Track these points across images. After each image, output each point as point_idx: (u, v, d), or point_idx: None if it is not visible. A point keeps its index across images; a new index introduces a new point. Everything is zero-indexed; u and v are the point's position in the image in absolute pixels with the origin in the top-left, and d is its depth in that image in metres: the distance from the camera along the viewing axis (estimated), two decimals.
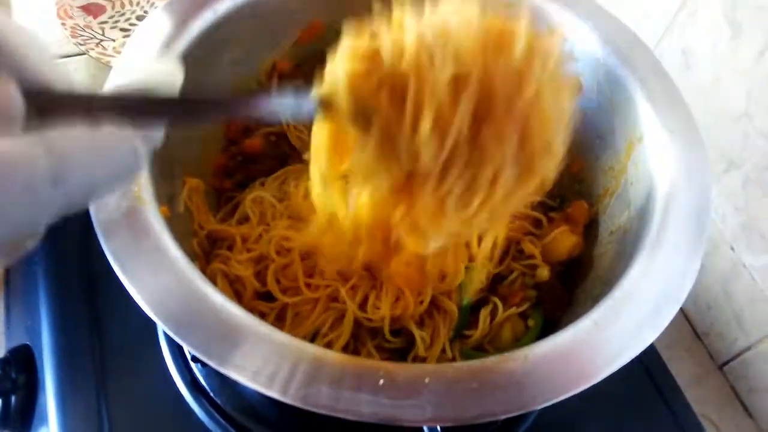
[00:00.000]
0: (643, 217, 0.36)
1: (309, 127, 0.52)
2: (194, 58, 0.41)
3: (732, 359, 0.64)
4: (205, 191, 0.44)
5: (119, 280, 0.30)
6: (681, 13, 0.61)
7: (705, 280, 0.65)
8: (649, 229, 0.35)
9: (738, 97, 0.56)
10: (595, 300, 0.36)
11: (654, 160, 0.38)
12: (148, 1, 0.79)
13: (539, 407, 0.28)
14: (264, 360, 0.27)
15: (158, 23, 0.41)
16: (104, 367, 0.45)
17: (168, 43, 0.40)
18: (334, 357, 0.28)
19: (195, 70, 0.41)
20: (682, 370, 0.63)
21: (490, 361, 0.29)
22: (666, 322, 0.31)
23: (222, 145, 0.48)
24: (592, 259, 0.43)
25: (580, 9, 0.45)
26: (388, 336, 0.40)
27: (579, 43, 0.45)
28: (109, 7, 0.78)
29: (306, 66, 0.50)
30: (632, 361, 0.51)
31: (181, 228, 0.36)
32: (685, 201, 0.35)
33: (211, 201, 0.45)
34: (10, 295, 0.55)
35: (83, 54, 0.72)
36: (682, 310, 0.68)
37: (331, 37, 0.51)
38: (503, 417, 0.28)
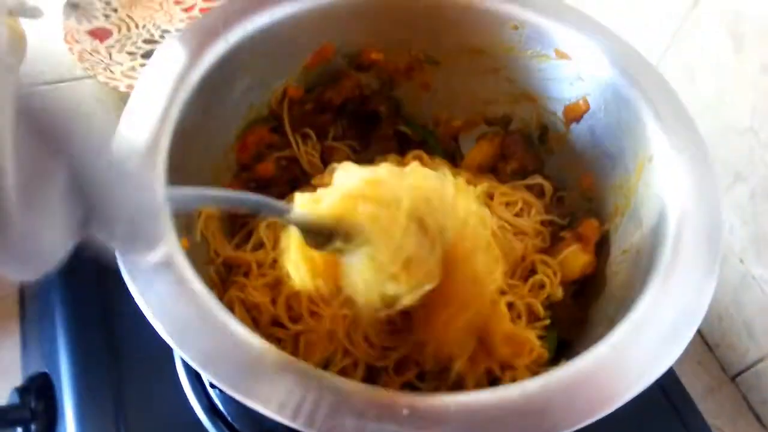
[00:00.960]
0: (655, 236, 0.37)
1: (319, 151, 0.53)
2: (208, 88, 0.41)
3: (744, 370, 0.64)
4: (220, 218, 0.45)
5: (136, 307, 0.31)
6: (684, 26, 0.61)
7: (715, 292, 0.64)
8: (663, 249, 0.35)
9: (743, 111, 0.57)
10: (610, 319, 0.36)
11: (664, 180, 0.39)
12: (154, 25, 0.79)
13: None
14: (288, 392, 0.28)
15: (172, 53, 0.41)
16: (122, 394, 0.45)
17: (183, 74, 0.40)
18: (358, 388, 0.28)
19: (209, 99, 0.42)
20: (694, 382, 0.63)
21: (511, 388, 0.29)
22: (684, 344, 0.31)
23: (234, 172, 0.49)
24: (605, 278, 0.43)
25: (586, 29, 0.46)
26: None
27: (586, 63, 0.45)
28: (115, 31, 0.78)
29: (316, 90, 0.51)
30: None
31: (198, 257, 0.36)
32: (697, 221, 0.35)
33: (225, 228, 0.46)
34: (26, 323, 0.55)
35: (91, 78, 0.73)
36: None
37: (339, 60, 0.52)
38: None
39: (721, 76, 0.58)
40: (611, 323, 0.34)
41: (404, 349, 0.40)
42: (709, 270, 0.34)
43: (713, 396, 0.64)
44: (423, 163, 0.51)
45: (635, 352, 0.31)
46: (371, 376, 0.40)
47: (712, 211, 0.36)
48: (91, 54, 0.74)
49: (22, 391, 0.48)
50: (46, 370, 0.49)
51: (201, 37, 0.42)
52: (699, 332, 0.68)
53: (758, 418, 0.63)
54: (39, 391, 0.48)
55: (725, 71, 0.58)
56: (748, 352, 0.63)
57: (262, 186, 0.49)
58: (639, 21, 0.66)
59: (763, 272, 0.59)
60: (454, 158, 0.54)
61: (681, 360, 0.65)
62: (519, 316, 0.42)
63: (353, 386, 0.28)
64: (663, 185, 0.39)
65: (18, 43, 0.65)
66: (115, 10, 0.79)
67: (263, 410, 0.27)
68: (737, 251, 0.61)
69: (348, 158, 0.53)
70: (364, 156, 0.52)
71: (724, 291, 0.64)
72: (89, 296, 0.50)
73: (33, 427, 0.46)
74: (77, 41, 0.74)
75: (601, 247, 0.45)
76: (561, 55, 0.46)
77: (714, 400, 0.64)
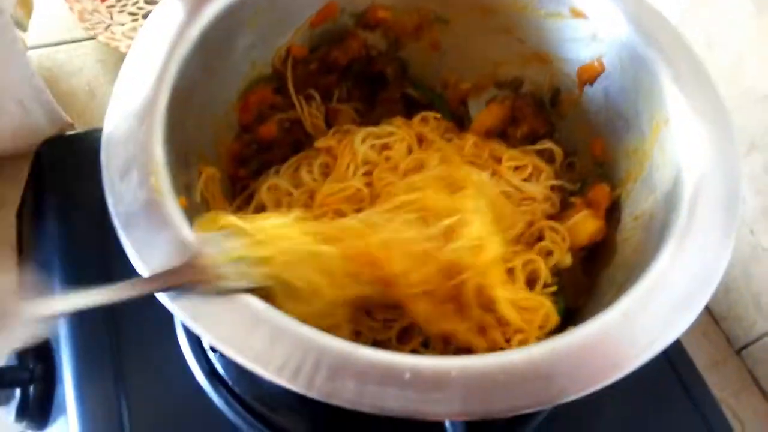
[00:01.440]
0: (670, 202, 0.36)
1: (323, 112, 0.51)
2: (208, 45, 0.40)
3: (751, 343, 0.63)
4: (221, 180, 0.44)
5: (137, 272, 0.30)
6: None
7: None
8: (677, 215, 0.34)
9: (762, 79, 0.55)
10: (619, 287, 0.35)
11: (681, 144, 0.37)
12: None
13: (567, 399, 0.27)
14: (288, 354, 0.27)
15: (171, 10, 0.40)
16: (122, 358, 0.45)
17: (181, 30, 0.39)
18: (359, 351, 0.27)
19: (209, 57, 0.41)
20: (698, 355, 0.63)
21: (516, 353, 0.28)
22: (697, 312, 0.30)
23: (236, 133, 0.48)
24: (616, 245, 0.42)
25: None
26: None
27: (601, 21, 0.43)
28: None
29: (320, 50, 0.49)
30: None
31: (198, 218, 0.35)
32: (714, 187, 0.34)
33: (226, 189, 0.45)
34: None
35: (92, 39, 0.71)
36: None
37: (344, 19, 0.50)
38: (532, 410, 0.27)
39: (740, 41, 0.57)
40: (620, 290, 0.33)
41: (405, 320, 0.40)
42: (725, 236, 0.32)
43: (717, 369, 0.64)
44: (430, 126, 0.50)
45: (645, 319, 0.30)
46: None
47: (730, 177, 0.35)
48: (91, 14, 0.72)
49: (21, 352, 0.47)
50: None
51: None
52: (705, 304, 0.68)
53: (763, 392, 0.63)
54: (38, 353, 0.47)
55: (745, 35, 0.56)
56: (755, 324, 0.62)
57: (264, 147, 0.48)
58: None
59: None
60: (462, 122, 0.53)
61: (686, 331, 0.65)
62: (528, 282, 0.41)
63: (354, 348, 0.27)
64: (679, 150, 0.37)
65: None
66: None
67: (262, 372, 0.27)
68: (748, 222, 0.60)
69: (353, 120, 0.51)
70: (370, 118, 0.51)
71: (733, 262, 0.62)
72: (89, 258, 0.49)
73: (32, 388, 0.46)
74: (78, 0, 0.72)
75: (612, 213, 0.43)
76: (577, 14, 0.44)
77: (718, 373, 0.64)
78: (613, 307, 0.30)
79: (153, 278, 0.29)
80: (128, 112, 0.36)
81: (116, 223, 0.31)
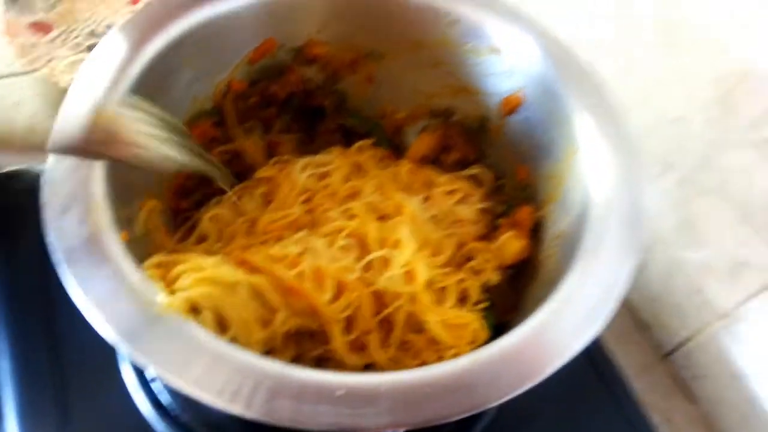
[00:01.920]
0: (581, 223, 0.39)
1: (264, 144, 0.53)
2: (150, 81, 0.41)
3: (675, 349, 0.67)
4: (162, 211, 0.45)
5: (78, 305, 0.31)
6: (619, 19, 0.64)
7: (648, 274, 0.69)
8: (587, 235, 0.37)
9: (673, 102, 0.60)
10: (541, 302, 0.38)
11: (591, 169, 0.41)
12: (95, 21, 0.78)
13: (489, 406, 0.30)
14: (226, 378, 0.29)
15: (113, 47, 0.41)
16: (65, 393, 0.45)
17: (123, 67, 0.40)
18: (294, 372, 0.29)
19: (151, 93, 0.42)
20: (630, 361, 0.67)
21: (441, 366, 0.31)
22: (602, 323, 0.33)
23: None
24: (539, 263, 0.45)
25: (519, 24, 0.48)
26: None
27: (519, 58, 0.47)
28: (57, 24, 0.77)
29: (260, 84, 0.52)
30: (579, 355, 0.54)
31: (140, 251, 0.36)
32: (619, 208, 0.38)
33: (168, 221, 0.46)
34: None
35: (31, 73, 0.71)
36: (628, 304, 0.72)
37: (282, 54, 0.52)
38: (458, 417, 0.29)
39: (652, 69, 0.61)
40: (541, 304, 0.36)
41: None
42: (627, 254, 0.36)
43: (648, 374, 0.68)
44: (367, 154, 0.52)
45: (557, 329, 0.33)
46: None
47: (634, 199, 0.38)
48: (31, 48, 0.72)
49: None
50: None
51: (141, 30, 0.42)
52: (633, 314, 0.72)
53: (689, 394, 0.67)
54: None
55: (656, 64, 0.61)
56: (679, 331, 0.66)
57: (205, 180, 0.49)
58: (578, 15, 0.69)
59: (691, 255, 0.62)
60: (399, 149, 0.56)
61: (617, 340, 0.69)
62: (460, 300, 0.44)
63: (290, 370, 0.29)
64: (589, 173, 0.41)
65: None
66: (57, 3, 0.78)
67: (202, 396, 0.28)
68: (667, 236, 0.65)
69: (294, 150, 0.53)
70: (310, 149, 0.53)
71: (656, 274, 0.68)
72: (29, 291, 0.50)
73: None
74: (17, 35, 0.72)
75: (535, 233, 0.47)
76: (495, 50, 0.48)
77: (649, 378, 0.67)
78: (529, 321, 0.33)
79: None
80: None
81: (58, 258, 0.32)
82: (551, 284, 0.40)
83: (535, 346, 0.32)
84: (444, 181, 0.51)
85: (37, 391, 0.45)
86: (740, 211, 0.55)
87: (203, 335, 0.30)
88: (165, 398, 0.44)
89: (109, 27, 0.77)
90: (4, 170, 0.60)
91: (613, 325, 0.69)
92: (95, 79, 0.40)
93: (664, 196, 0.63)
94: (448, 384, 0.30)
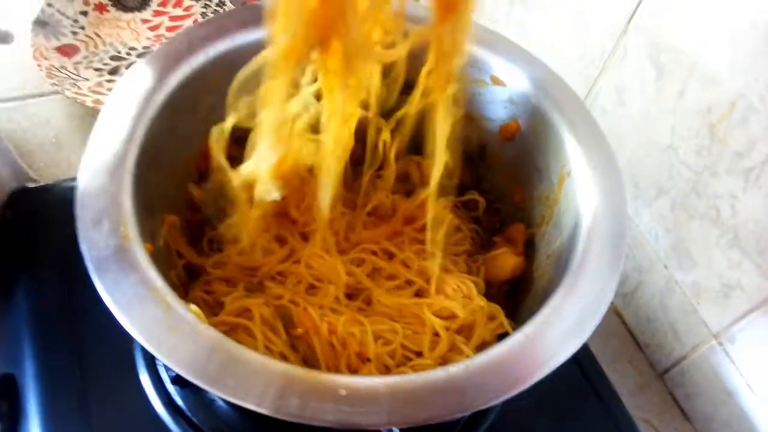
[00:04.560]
0: (571, 242, 0.42)
1: None
2: (173, 108, 0.45)
3: (670, 368, 0.69)
4: (181, 225, 0.48)
5: (100, 312, 0.34)
6: (614, 55, 0.68)
7: (644, 295, 0.71)
8: (575, 253, 0.40)
9: (664, 131, 0.63)
10: (531, 315, 0.41)
11: (580, 192, 0.44)
12: (121, 42, 0.82)
13: (478, 409, 0.32)
14: (241, 377, 0.31)
15: (139, 76, 0.45)
16: (86, 395, 0.48)
17: (149, 95, 0.44)
18: (302, 373, 0.32)
19: (174, 119, 0.46)
20: (626, 379, 0.69)
21: (437, 372, 0.33)
22: (587, 335, 0.36)
23: (194, 180, 0.52)
24: (533, 280, 0.48)
25: (518, 59, 0.51)
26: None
27: (516, 89, 0.51)
28: (83, 47, 0.81)
29: None
30: (576, 373, 0.57)
31: (162, 261, 0.40)
32: (605, 228, 0.41)
33: (186, 236, 0.49)
34: None
35: (59, 93, 0.75)
36: (625, 323, 0.74)
37: None
38: (449, 418, 0.32)
39: (645, 100, 0.64)
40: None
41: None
42: (612, 271, 0.39)
43: (643, 392, 0.70)
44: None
45: (544, 341, 0.35)
46: None
47: (618, 219, 0.41)
48: (59, 70, 0.76)
49: None
50: (11, 372, 0.51)
51: (166, 60, 0.46)
52: (630, 333, 0.74)
53: (683, 412, 0.69)
54: (3, 391, 0.50)
55: (649, 95, 0.64)
56: (674, 351, 0.68)
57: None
58: (578, 48, 0.72)
59: (684, 277, 0.65)
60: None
61: (614, 359, 0.71)
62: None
63: (298, 371, 0.32)
64: (579, 197, 0.44)
65: None
66: (83, 28, 0.82)
67: (219, 392, 0.31)
68: (662, 258, 0.67)
69: None
70: None
71: (652, 294, 0.70)
72: (53, 298, 0.53)
73: None
74: (45, 58, 0.76)
75: (529, 251, 0.50)
76: (496, 82, 0.51)
77: (644, 396, 0.69)
78: (518, 332, 0.36)
79: None
80: (100, 168, 0.40)
81: (89, 266, 0.35)
82: (541, 300, 0.43)
83: (523, 356, 0.35)
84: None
85: (59, 392, 0.48)
86: (730, 235, 0.58)
87: (219, 337, 0.33)
88: (179, 401, 0.47)
89: (131, 50, 0.81)
90: (38, 184, 0.64)
91: (611, 344, 0.72)
92: (123, 107, 0.43)
93: (659, 219, 0.66)
94: (441, 388, 0.32)
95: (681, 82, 0.60)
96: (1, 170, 0.62)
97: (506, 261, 0.49)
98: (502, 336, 0.46)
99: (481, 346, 0.45)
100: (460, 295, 0.47)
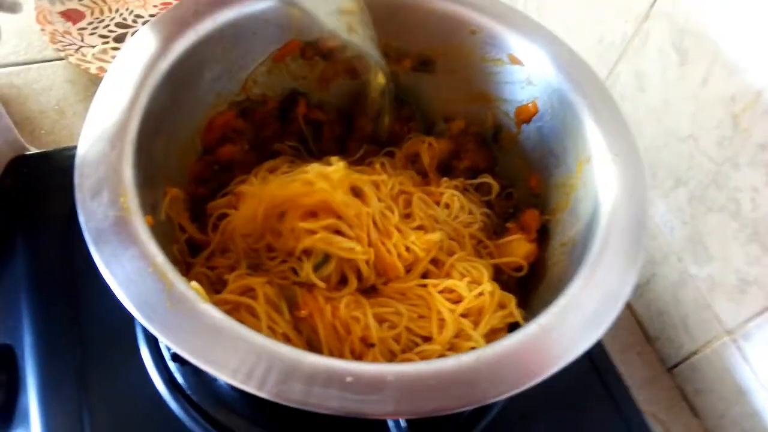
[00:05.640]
0: (589, 231, 0.40)
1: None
2: (177, 76, 0.43)
3: (680, 362, 0.68)
4: (184, 199, 0.47)
5: (100, 282, 0.32)
6: (635, 39, 0.65)
7: (656, 288, 0.69)
8: (593, 242, 0.38)
9: (685, 120, 0.61)
10: (546, 305, 0.40)
11: (600, 179, 0.42)
12: (127, 10, 0.80)
13: (489, 402, 0.31)
14: (242, 359, 0.30)
15: (144, 41, 0.43)
16: (85, 368, 0.47)
17: (153, 62, 0.42)
18: (307, 357, 0.31)
19: (178, 88, 0.44)
20: (634, 373, 0.68)
21: (447, 361, 0.32)
22: (604, 328, 0.34)
23: (198, 154, 0.51)
24: (546, 269, 0.47)
25: (537, 37, 0.49)
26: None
27: (536, 69, 0.49)
28: (88, 13, 0.79)
29: None
30: (584, 364, 0.55)
31: (163, 235, 0.38)
32: (625, 218, 0.39)
33: (189, 210, 0.48)
34: None
35: (62, 59, 0.73)
36: (635, 316, 0.73)
37: (306, 53, 0.54)
38: (458, 410, 0.31)
39: (666, 87, 0.62)
40: (545, 307, 0.37)
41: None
42: (631, 263, 0.37)
43: (651, 385, 0.69)
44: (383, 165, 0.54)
45: (559, 333, 0.34)
46: None
47: (638, 210, 0.39)
48: (62, 36, 0.74)
49: None
50: (10, 342, 0.50)
51: (171, 27, 0.44)
52: (641, 326, 0.73)
53: (691, 407, 0.67)
54: (1, 362, 0.49)
55: (670, 82, 0.62)
56: (684, 345, 0.67)
57: (224, 168, 0.51)
58: (597, 32, 0.70)
59: (698, 270, 0.63)
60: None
61: (623, 351, 0.70)
62: None
63: (303, 355, 0.31)
64: (598, 185, 0.42)
65: None
66: None
67: (219, 375, 0.30)
68: (677, 250, 0.65)
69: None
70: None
71: (664, 287, 0.68)
72: (53, 269, 0.52)
73: None
74: (49, 22, 0.75)
75: (543, 239, 0.48)
76: (514, 61, 0.49)
77: (652, 390, 0.68)
78: (533, 323, 0.34)
79: None
80: (101, 136, 0.39)
81: (87, 238, 0.34)
82: (556, 289, 0.41)
83: (537, 348, 0.33)
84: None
85: (57, 364, 0.47)
86: (749, 230, 0.56)
87: (221, 317, 0.32)
88: (179, 378, 0.45)
89: (137, 18, 0.79)
90: (37, 151, 0.62)
91: (619, 336, 0.71)
92: (126, 73, 0.42)
93: (675, 211, 0.64)
94: (451, 378, 0.31)
95: (704, 69, 0.57)
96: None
97: (518, 247, 0.47)
98: (512, 325, 0.45)
99: (491, 335, 0.43)
100: (468, 279, 0.46)
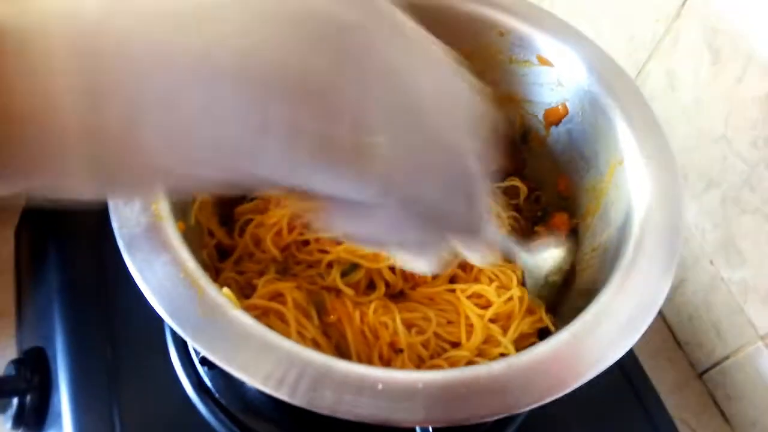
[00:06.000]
0: (621, 236, 0.39)
1: None
2: None
3: (711, 368, 0.67)
4: (212, 204, 0.47)
5: (130, 288, 0.33)
6: (666, 37, 0.64)
7: (687, 292, 0.68)
8: (626, 248, 0.38)
9: (717, 120, 0.59)
10: (578, 311, 0.39)
11: (633, 183, 0.41)
12: None
13: (521, 411, 0.31)
14: (273, 366, 0.30)
15: None
16: (116, 370, 0.48)
17: None
18: (338, 364, 0.30)
19: None
20: (664, 378, 0.67)
21: (478, 368, 0.32)
22: (638, 336, 0.34)
23: None
24: (576, 273, 0.46)
25: (567, 38, 0.48)
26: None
27: (566, 71, 0.48)
28: None
29: None
30: (614, 369, 0.54)
31: (193, 240, 0.38)
32: (659, 223, 0.38)
33: (218, 215, 0.48)
34: (21, 301, 0.58)
35: None
36: (665, 320, 0.72)
37: None
38: (489, 419, 0.30)
39: (698, 86, 0.61)
40: (576, 314, 0.36)
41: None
42: (666, 269, 0.36)
43: (681, 391, 0.68)
44: None
45: (592, 341, 0.33)
46: None
47: (673, 215, 0.39)
48: None
49: (18, 363, 0.50)
50: (42, 345, 0.51)
51: None
52: (670, 330, 0.71)
53: (722, 413, 0.66)
54: (34, 364, 0.50)
55: (703, 81, 0.61)
56: (715, 350, 0.66)
57: None
58: (626, 30, 0.69)
59: (731, 274, 0.62)
60: None
61: (653, 356, 0.69)
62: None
63: (333, 362, 0.31)
64: (631, 188, 0.41)
65: None
66: None
67: (251, 381, 0.30)
68: (708, 254, 0.64)
69: None
70: None
71: (695, 291, 0.67)
72: (85, 274, 0.52)
73: (28, 397, 0.49)
74: None
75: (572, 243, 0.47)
76: (543, 62, 0.48)
77: (681, 395, 0.67)
78: (564, 330, 0.34)
79: None
80: None
81: (120, 244, 0.34)
82: (587, 295, 0.40)
83: (570, 356, 0.33)
84: None
85: (89, 367, 0.48)
86: None
87: (252, 323, 0.32)
88: (207, 381, 0.46)
89: None
90: None
91: (650, 341, 0.69)
92: None
93: (707, 213, 0.63)
94: (482, 386, 0.31)
95: (738, 68, 0.56)
96: None
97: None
98: (542, 332, 0.44)
99: (520, 340, 0.43)
100: (496, 284, 0.45)
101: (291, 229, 0.45)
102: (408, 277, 0.45)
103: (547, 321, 0.44)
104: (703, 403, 0.67)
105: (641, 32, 0.67)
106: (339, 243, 0.43)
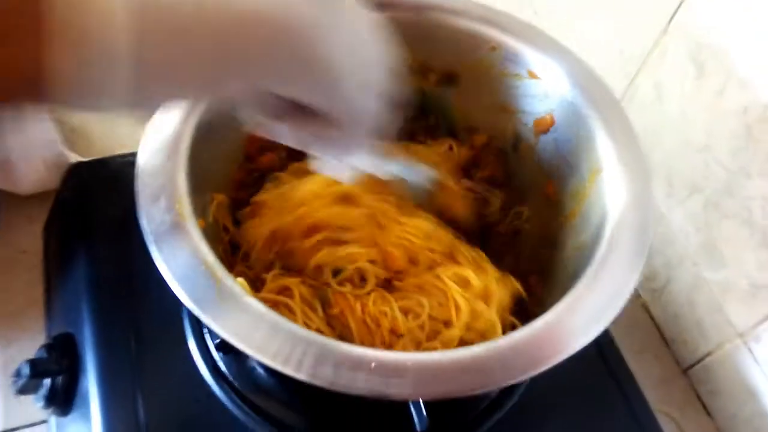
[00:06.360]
0: (596, 236, 0.43)
1: None
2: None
3: (695, 364, 0.70)
4: (228, 204, 0.52)
5: (153, 280, 0.37)
6: (654, 51, 0.68)
7: (672, 291, 0.72)
8: (600, 247, 0.42)
9: (701, 131, 0.63)
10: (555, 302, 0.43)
11: (610, 188, 0.45)
12: None
13: (498, 386, 0.35)
14: (282, 345, 0.35)
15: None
16: (138, 356, 0.52)
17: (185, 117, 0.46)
18: (337, 345, 0.35)
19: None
20: (650, 373, 0.70)
21: (460, 351, 0.36)
22: (608, 322, 0.38)
23: (240, 162, 0.55)
24: (561, 269, 0.50)
25: (555, 54, 0.52)
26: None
27: (552, 84, 0.52)
28: None
29: None
30: (599, 363, 0.58)
31: (211, 236, 0.43)
32: (630, 225, 0.42)
33: (233, 213, 0.52)
34: (50, 293, 0.62)
35: None
36: (652, 318, 0.75)
37: None
38: (472, 393, 0.35)
39: (684, 98, 0.65)
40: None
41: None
42: (634, 266, 0.40)
43: (666, 386, 0.71)
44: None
45: (564, 328, 0.37)
46: None
47: (644, 218, 0.43)
48: None
49: (49, 347, 0.55)
50: (70, 331, 0.55)
51: None
52: (657, 328, 0.75)
53: (705, 408, 0.70)
54: (64, 349, 0.55)
55: (688, 94, 0.64)
56: (698, 347, 0.69)
57: (264, 174, 0.55)
58: (617, 45, 0.72)
59: (712, 275, 0.65)
60: None
61: (640, 353, 0.72)
62: None
63: (333, 343, 0.35)
64: (608, 192, 0.45)
65: None
66: None
67: (261, 358, 0.34)
68: (691, 255, 0.68)
69: None
70: None
71: (680, 291, 0.71)
72: (110, 267, 0.57)
73: (59, 379, 0.53)
74: None
75: (558, 242, 0.51)
76: (532, 75, 0.53)
77: (666, 390, 0.70)
78: (541, 318, 0.38)
79: None
80: (158, 148, 0.44)
81: (148, 239, 0.38)
82: (565, 290, 0.44)
83: (542, 342, 0.37)
84: None
85: (114, 353, 0.52)
86: (760, 236, 0.58)
87: (263, 309, 0.36)
88: (222, 366, 0.50)
89: None
90: (94, 158, 0.68)
91: (637, 338, 0.73)
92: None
93: (691, 217, 0.67)
94: (466, 365, 0.35)
95: (720, 82, 0.60)
96: (55, 174, 0.67)
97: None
98: (521, 313, 0.48)
99: (503, 312, 0.47)
100: (473, 265, 0.49)
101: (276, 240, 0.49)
102: (388, 265, 0.49)
103: (520, 288, 0.49)
104: (687, 397, 0.70)
105: (631, 46, 0.70)
106: (318, 248, 0.48)
